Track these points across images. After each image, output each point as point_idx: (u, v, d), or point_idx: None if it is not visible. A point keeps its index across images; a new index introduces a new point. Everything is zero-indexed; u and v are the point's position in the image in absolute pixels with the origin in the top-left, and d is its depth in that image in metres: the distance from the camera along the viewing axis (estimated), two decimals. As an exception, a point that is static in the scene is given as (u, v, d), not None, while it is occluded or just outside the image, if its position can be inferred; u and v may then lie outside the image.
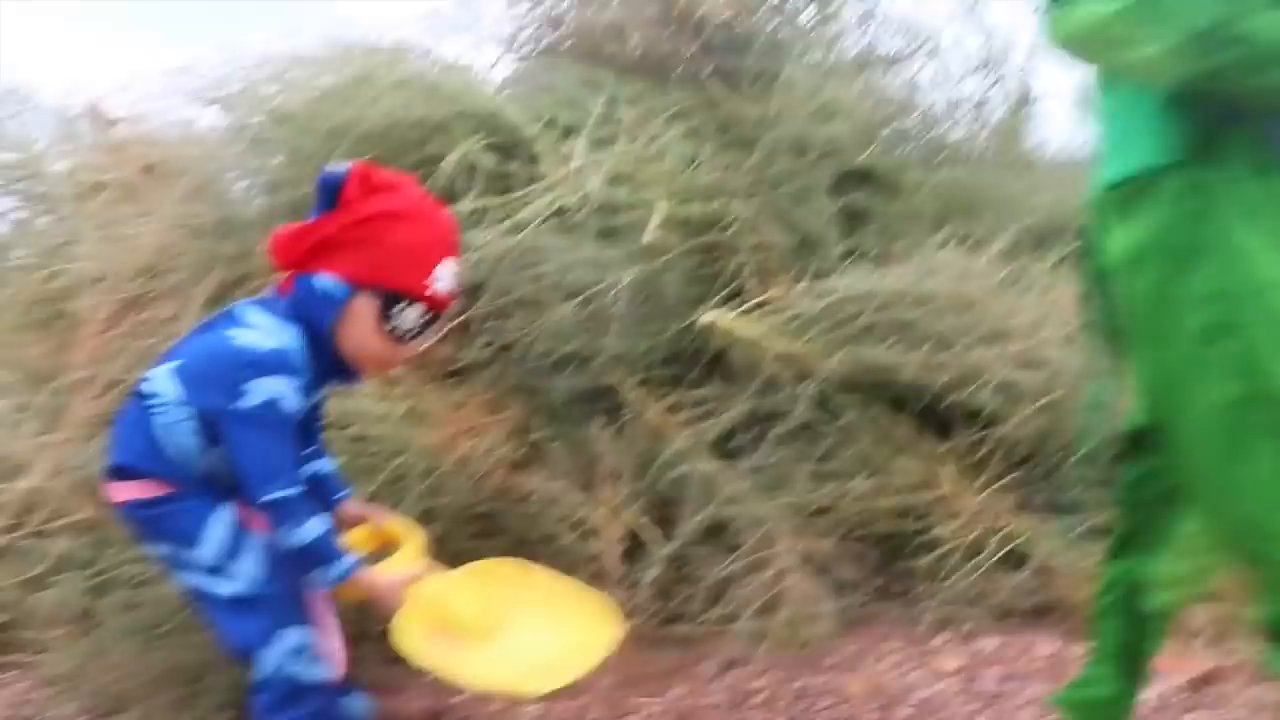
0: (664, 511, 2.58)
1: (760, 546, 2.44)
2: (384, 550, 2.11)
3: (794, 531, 2.47)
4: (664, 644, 2.45)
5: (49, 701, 2.46)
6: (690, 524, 2.43)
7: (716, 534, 2.53)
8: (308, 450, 2.11)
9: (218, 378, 1.88)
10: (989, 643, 2.54)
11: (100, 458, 2.58)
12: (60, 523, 2.59)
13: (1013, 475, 2.75)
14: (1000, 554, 2.61)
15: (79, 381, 2.79)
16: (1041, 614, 2.66)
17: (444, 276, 1.93)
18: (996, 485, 2.72)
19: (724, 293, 2.76)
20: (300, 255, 1.93)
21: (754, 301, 2.69)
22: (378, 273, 1.90)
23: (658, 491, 2.56)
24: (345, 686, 2.07)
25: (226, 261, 2.90)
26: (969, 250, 2.89)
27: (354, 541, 2.05)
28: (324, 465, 2.14)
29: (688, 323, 2.72)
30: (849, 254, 2.91)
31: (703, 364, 2.79)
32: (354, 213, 1.89)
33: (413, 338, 1.96)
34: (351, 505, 2.16)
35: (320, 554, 1.93)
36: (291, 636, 1.93)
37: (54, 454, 2.66)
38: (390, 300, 1.91)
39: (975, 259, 2.83)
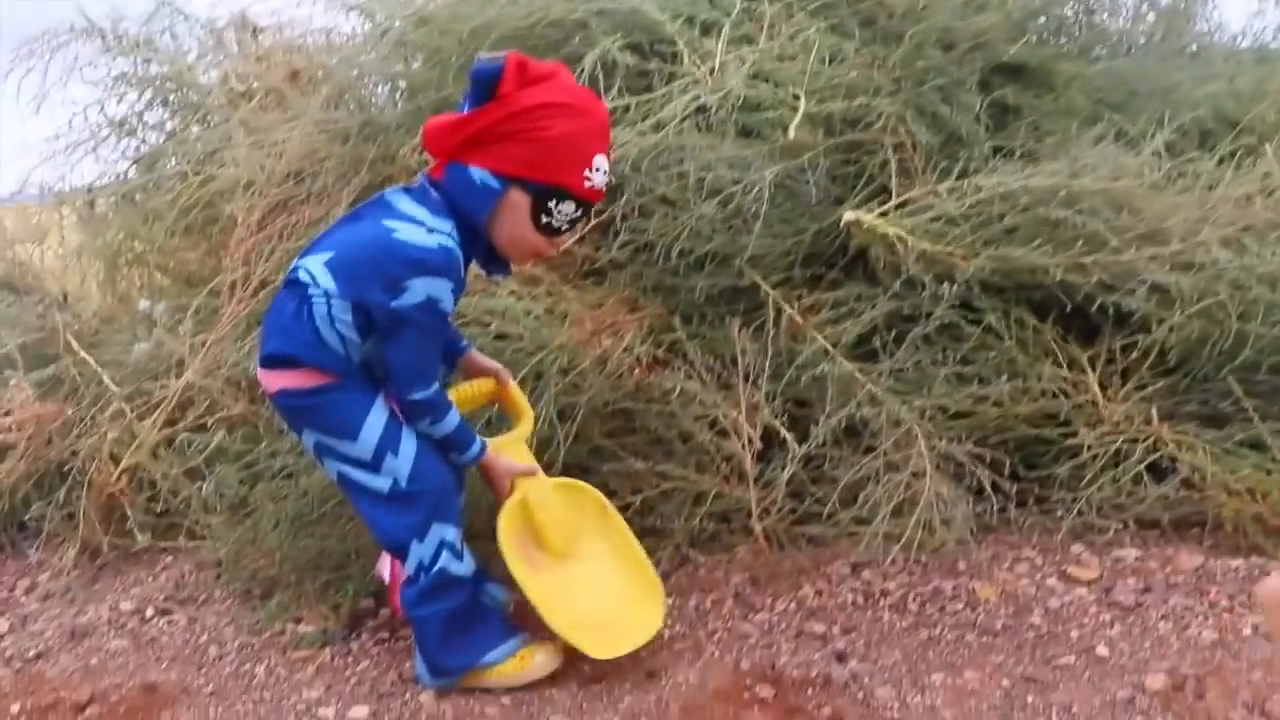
0: (800, 412, 2.58)
1: (896, 448, 2.42)
2: (494, 403, 2.31)
3: (931, 434, 2.44)
4: (796, 543, 2.47)
5: (205, 585, 2.62)
6: (826, 424, 2.42)
7: (852, 436, 2.53)
8: None
9: (376, 271, 1.89)
10: (1128, 554, 2.49)
11: (254, 352, 2.71)
12: (215, 417, 2.72)
13: (1161, 383, 2.66)
14: (1144, 464, 2.54)
15: (231, 283, 2.90)
16: (1185, 527, 2.60)
17: (599, 170, 1.93)
18: (1143, 393, 2.64)
19: (866, 191, 2.70)
20: (455, 146, 1.93)
21: (897, 200, 2.63)
22: (534, 168, 1.90)
23: (794, 392, 2.56)
24: (485, 577, 2.15)
25: (370, 165, 2.96)
26: (1125, 146, 2.76)
27: (474, 392, 2.23)
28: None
29: (829, 222, 2.68)
30: (996, 151, 2.81)
31: (843, 264, 2.76)
32: (509, 105, 1.87)
33: (566, 231, 1.98)
34: (473, 355, 2.27)
35: (457, 442, 2.06)
36: (442, 532, 2.02)
37: (209, 353, 2.79)
38: (545, 194, 1.92)
39: (1131, 156, 2.70)
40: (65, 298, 3.46)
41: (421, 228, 1.91)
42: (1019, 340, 2.66)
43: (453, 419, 2.03)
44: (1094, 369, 2.68)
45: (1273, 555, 2.43)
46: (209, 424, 2.73)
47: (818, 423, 2.44)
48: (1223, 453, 2.54)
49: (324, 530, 2.45)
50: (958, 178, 2.65)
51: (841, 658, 2.14)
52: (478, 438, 2.10)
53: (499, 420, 2.40)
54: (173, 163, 3.43)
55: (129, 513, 2.73)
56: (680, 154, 2.62)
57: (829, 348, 2.54)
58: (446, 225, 1.92)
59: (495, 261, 2.04)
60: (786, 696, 2.02)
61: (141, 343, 3.05)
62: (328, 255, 1.95)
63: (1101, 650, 2.15)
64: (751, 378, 2.50)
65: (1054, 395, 2.63)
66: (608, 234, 2.63)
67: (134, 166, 3.55)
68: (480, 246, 1.99)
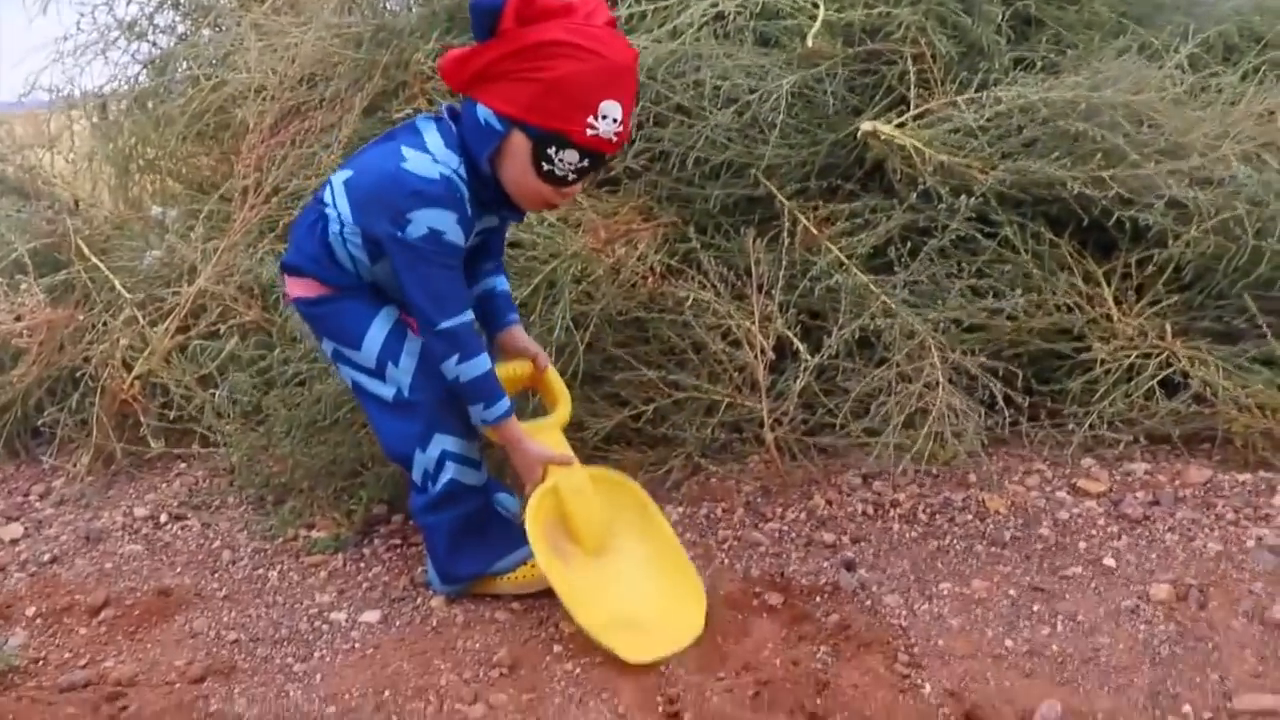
0: (813, 323, 2.57)
1: (909, 361, 2.42)
2: (529, 390, 2.18)
3: (944, 347, 2.44)
4: (807, 454, 2.48)
5: (219, 491, 2.64)
6: (839, 336, 2.42)
7: (865, 347, 2.53)
8: (486, 267, 2.12)
9: (382, 201, 1.87)
10: (1137, 467, 2.51)
11: (267, 258, 2.70)
12: (228, 324, 2.72)
13: (1176, 299, 2.65)
14: (1156, 379, 2.54)
15: (243, 189, 2.88)
16: (1195, 442, 2.61)
17: (608, 118, 1.80)
18: (1157, 308, 2.63)
19: (884, 102, 2.67)
20: (465, 81, 1.86)
21: (915, 111, 2.59)
22: (532, 111, 1.80)
23: (808, 303, 2.55)
24: (498, 486, 2.15)
25: (384, 70, 2.92)
26: (1147, 60, 2.71)
27: (509, 375, 2.08)
28: (499, 283, 2.14)
29: (846, 133, 2.64)
30: (1017, 63, 2.76)
31: (859, 176, 2.73)
32: (510, 43, 1.78)
33: (572, 180, 1.88)
34: (516, 333, 2.14)
35: (479, 391, 1.95)
36: (444, 443, 2.00)
37: (221, 259, 2.78)
38: (544, 140, 1.82)
39: (1154, 69, 2.66)
40: (76, 204, 3.44)
41: (429, 158, 1.87)
42: (1035, 254, 2.65)
43: (482, 363, 1.94)
44: (1109, 284, 2.67)
45: (1281, 470, 2.44)
46: (221, 331, 2.73)
47: (831, 334, 2.44)
48: (1235, 369, 2.55)
49: (337, 437, 2.46)
50: (977, 89, 2.62)
51: (850, 566, 2.16)
52: (506, 398, 1.98)
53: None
54: (184, 67, 3.39)
55: (142, 419, 2.74)
56: (697, 62, 2.58)
57: (844, 259, 2.52)
58: (454, 160, 1.88)
59: (508, 205, 1.96)
60: (795, 604, 2.04)
61: (153, 249, 3.04)
62: (348, 174, 1.96)
63: (1108, 561, 2.17)
64: (765, 288, 2.49)
65: (1068, 310, 2.63)
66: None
67: (144, 71, 3.51)
68: (490, 187, 1.92)
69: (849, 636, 1.93)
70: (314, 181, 2.79)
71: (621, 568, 2.03)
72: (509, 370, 2.10)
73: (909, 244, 2.56)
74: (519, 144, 1.84)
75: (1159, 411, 2.54)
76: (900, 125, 2.57)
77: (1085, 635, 1.94)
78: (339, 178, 1.97)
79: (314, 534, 2.38)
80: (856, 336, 2.46)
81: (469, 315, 1.92)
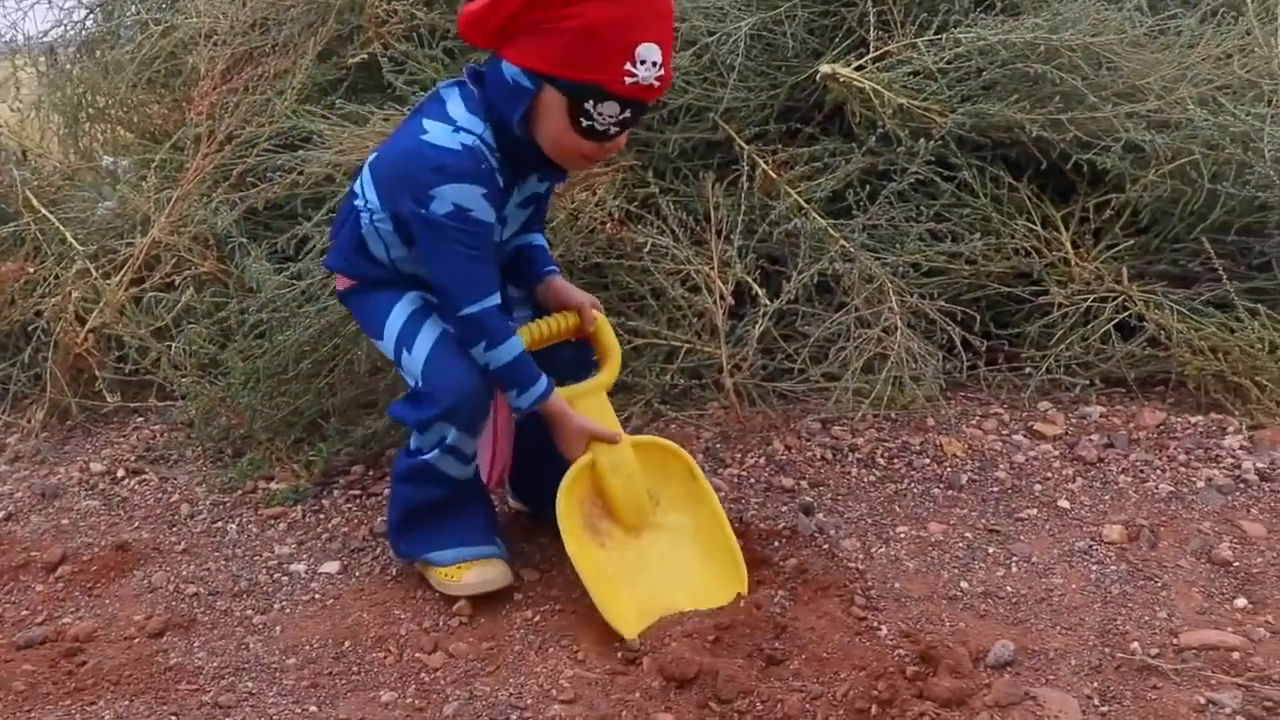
0: (773, 268, 2.57)
1: (868, 305, 2.43)
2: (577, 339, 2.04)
3: (902, 291, 2.44)
4: (767, 399, 2.49)
5: (176, 444, 2.62)
6: (798, 281, 2.42)
7: (824, 292, 2.53)
8: (527, 230, 2.01)
9: (404, 179, 1.77)
10: (1093, 410, 2.53)
11: (221, 207, 2.66)
12: (183, 275, 2.68)
13: (1132, 242, 2.66)
14: (1112, 322, 2.56)
15: (196, 137, 2.83)
16: (1150, 385, 2.64)
17: (648, 62, 1.66)
18: (1114, 252, 2.65)
19: (844, 45, 2.64)
20: (488, 37, 1.73)
21: (875, 54, 2.57)
22: (565, 64, 1.66)
23: (767, 248, 2.55)
24: (484, 495, 2.04)
25: (337, 13, 2.87)
26: (1107, 1, 2.70)
27: (551, 330, 1.97)
28: (535, 238, 2.03)
29: (805, 76, 2.62)
30: (978, 4, 2.74)
31: (819, 119, 2.72)
32: None
33: (614, 134, 1.74)
34: (556, 283, 2.02)
35: (514, 377, 1.85)
36: (445, 431, 1.88)
37: (175, 209, 2.73)
38: (581, 93, 1.68)
39: (1112, 11, 2.65)
40: (24, 154, 3.37)
41: (450, 127, 1.75)
42: (994, 198, 2.65)
43: (510, 348, 1.82)
44: (1067, 228, 2.68)
45: (1231, 412, 2.47)
46: (177, 282, 2.69)
47: (790, 279, 2.44)
48: (1189, 312, 2.57)
49: (297, 388, 2.44)
50: (937, 31, 2.60)
51: (808, 511, 2.18)
52: (543, 377, 1.86)
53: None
54: (132, 11, 3.31)
55: (97, 373, 2.70)
56: (654, 3, 2.54)
57: (803, 203, 2.52)
58: (478, 125, 1.75)
59: (548, 164, 1.82)
60: (753, 548, 2.05)
61: (105, 200, 2.99)
62: (375, 155, 1.89)
63: (1063, 503, 2.19)
64: (724, 233, 2.48)
65: (1027, 254, 2.64)
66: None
67: (91, 15, 3.43)
68: (526, 150, 1.78)
69: (806, 580, 1.95)
70: (268, 128, 2.75)
71: (663, 550, 1.92)
72: (551, 324, 1.98)
73: (868, 188, 2.55)
74: (553, 101, 1.70)
75: (1115, 355, 2.56)
76: (860, 68, 2.56)
77: (1039, 576, 1.97)
78: (369, 160, 1.90)
79: (273, 486, 2.37)
80: (815, 281, 2.46)
81: (496, 299, 1.80)
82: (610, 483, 1.91)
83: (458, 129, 1.75)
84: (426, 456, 1.90)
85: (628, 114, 1.72)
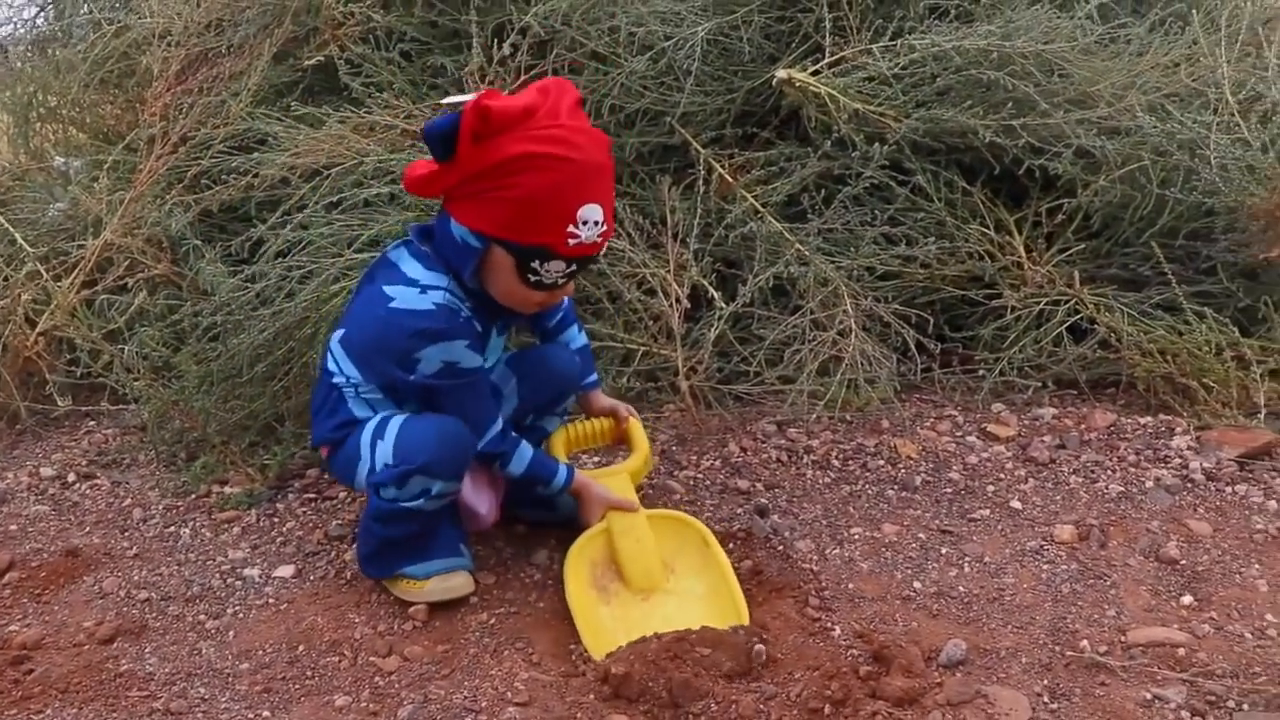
0: (729, 271, 2.59)
1: (823, 308, 2.45)
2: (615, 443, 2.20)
3: (857, 294, 2.46)
4: (723, 402, 2.50)
5: (129, 449, 2.59)
6: (754, 284, 2.43)
7: (780, 295, 2.55)
8: (552, 324, 2.10)
9: (384, 350, 1.82)
10: (1045, 412, 2.57)
11: (175, 210, 2.63)
12: (136, 277, 2.65)
13: (1084, 246, 2.70)
14: (1064, 325, 2.60)
15: (150, 138, 2.80)
16: (1101, 387, 2.68)
17: (590, 223, 1.71)
18: (1066, 255, 2.68)
19: (800, 50, 2.66)
20: (433, 194, 1.80)
21: (830, 59, 2.59)
22: (509, 229, 1.72)
23: (723, 251, 2.56)
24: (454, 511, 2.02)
25: (293, 15, 2.85)
26: (1059, 9, 2.74)
27: (588, 432, 2.14)
28: (574, 338, 2.12)
29: (761, 81, 2.64)
30: (931, 11, 2.77)
31: (775, 124, 2.74)
32: (471, 164, 1.68)
33: (564, 283, 1.81)
34: (596, 397, 2.15)
35: (534, 478, 1.94)
36: (427, 485, 1.85)
37: (127, 211, 2.70)
38: (527, 254, 1.74)
39: (1064, 19, 2.69)
40: (-27, 154, 3.33)
41: (415, 289, 1.79)
42: (948, 202, 2.69)
43: (521, 460, 1.92)
44: (1020, 232, 2.71)
45: (1180, 413, 2.51)
46: (129, 284, 2.66)
47: (746, 282, 2.45)
48: (1139, 315, 2.61)
49: (252, 391, 2.42)
50: (891, 37, 2.62)
51: (763, 512, 2.19)
52: (561, 467, 1.97)
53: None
54: (85, 10, 3.27)
55: (48, 376, 2.67)
56: (611, 8, 2.56)
57: (759, 207, 2.53)
58: (442, 279, 1.80)
59: (506, 312, 1.90)
60: (709, 550, 2.06)
61: (57, 201, 2.95)
62: (342, 332, 1.92)
63: (1015, 504, 2.22)
64: (680, 236, 2.49)
65: (980, 257, 2.67)
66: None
67: (42, 14, 3.39)
68: (482, 298, 1.85)
69: (761, 581, 1.96)
70: (222, 130, 2.73)
71: (669, 611, 1.89)
72: (589, 427, 2.14)
73: (823, 192, 2.58)
74: (501, 259, 1.76)
75: (1067, 357, 2.60)
76: (815, 73, 2.58)
77: (991, 576, 1.99)
78: (335, 338, 1.92)
79: (227, 490, 2.35)
80: (771, 284, 2.48)
81: (498, 426, 1.89)
82: (622, 546, 1.95)
83: (424, 289, 1.79)
84: (407, 505, 1.86)
85: (574, 267, 1.79)
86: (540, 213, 1.70)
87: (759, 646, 1.73)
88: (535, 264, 1.75)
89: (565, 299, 2.05)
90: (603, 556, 1.96)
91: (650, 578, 1.93)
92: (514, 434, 1.94)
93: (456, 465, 1.85)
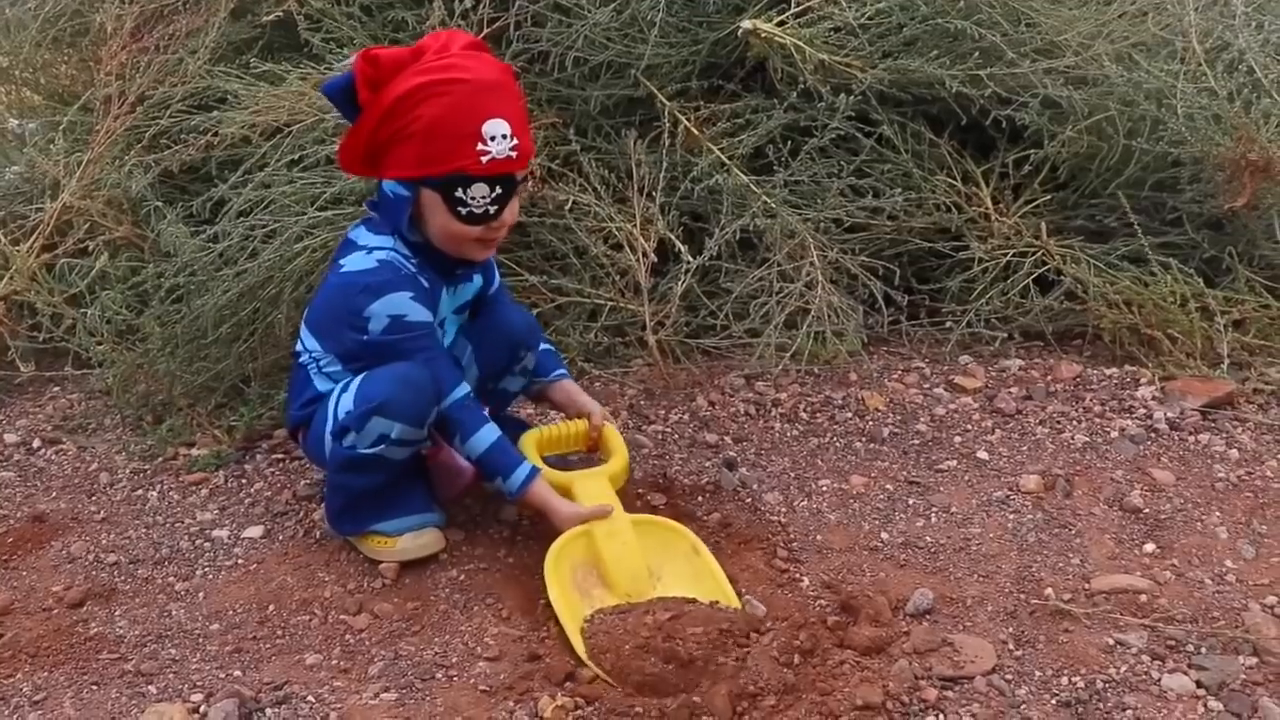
0: (695, 225, 2.58)
1: (790, 260, 2.44)
2: (589, 449, 2.08)
3: (824, 247, 2.46)
4: (690, 356, 2.50)
5: (94, 413, 2.56)
6: (721, 237, 2.42)
7: (746, 249, 2.54)
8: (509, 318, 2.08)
9: (337, 315, 1.87)
10: (1012, 364, 2.58)
11: (135, 171, 2.58)
12: (96, 240, 2.61)
13: (1051, 198, 2.71)
14: (1031, 277, 2.61)
15: (106, 98, 2.75)
16: (1067, 338, 2.70)
17: (497, 137, 1.76)
18: (1033, 207, 2.68)
19: (765, 0, 2.64)
20: (363, 165, 1.85)
21: (796, 9, 2.57)
22: (423, 165, 1.78)
23: (690, 205, 2.55)
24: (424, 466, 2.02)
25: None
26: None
27: (560, 434, 2.04)
28: (543, 345, 2.13)
29: (727, 32, 2.61)
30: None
31: (741, 76, 2.71)
32: (374, 112, 1.76)
33: (494, 212, 1.83)
34: (566, 388, 2.11)
35: (492, 466, 1.88)
36: (386, 428, 1.83)
37: (86, 172, 2.66)
38: (448, 185, 1.79)
39: (1032, -34, 2.67)
40: (-77, 116, 3.26)
41: (362, 252, 1.86)
42: (914, 154, 2.68)
43: (485, 436, 1.87)
44: (987, 183, 2.71)
45: (1145, 364, 2.53)
46: (90, 248, 2.62)
47: (712, 236, 2.44)
48: (1105, 266, 2.62)
49: (217, 353, 2.40)
50: (858, -14, 2.60)
51: (731, 465, 2.20)
52: (525, 464, 1.88)
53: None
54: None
55: (9, 342, 2.63)
56: (575, -41, 2.52)
57: (725, 160, 2.52)
58: (387, 240, 1.87)
59: (456, 263, 1.92)
60: (677, 503, 2.07)
61: (12, 164, 2.90)
62: (307, 312, 1.98)
63: (981, 454, 2.24)
64: (646, 190, 2.47)
65: (947, 209, 2.67)
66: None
67: (-11, -30, 3.31)
68: (431, 251, 1.89)
69: (730, 534, 1.98)
70: (180, 89, 2.68)
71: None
72: (563, 430, 2.06)
73: (790, 144, 2.57)
74: (430, 199, 1.82)
75: (1033, 309, 2.61)
76: (781, 23, 2.55)
77: (958, 526, 2.01)
78: (304, 323, 1.98)
79: (194, 452, 2.34)
80: (738, 237, 2.48)
81: (462, 391, 1.87)
82: (605, 549, 1.84)
83: (369, 251, 1.86)
84: (371, 450, 1.84)
85: (499, 190, 1.81)
86: (445, 138, 1.75)
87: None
88: (459, 193, 1.79)
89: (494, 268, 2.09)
90: (584, 559, 1.85)
91: (636, 583, 1.81)
92: (484, 412, 1.92)
93: (415, 409, 1.83)
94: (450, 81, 1.74)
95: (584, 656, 1.67)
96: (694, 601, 1.72)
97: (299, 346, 1.99)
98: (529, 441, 2.02)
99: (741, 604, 1.77)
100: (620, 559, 1.83)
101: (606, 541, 1.84)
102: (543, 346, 2.12)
